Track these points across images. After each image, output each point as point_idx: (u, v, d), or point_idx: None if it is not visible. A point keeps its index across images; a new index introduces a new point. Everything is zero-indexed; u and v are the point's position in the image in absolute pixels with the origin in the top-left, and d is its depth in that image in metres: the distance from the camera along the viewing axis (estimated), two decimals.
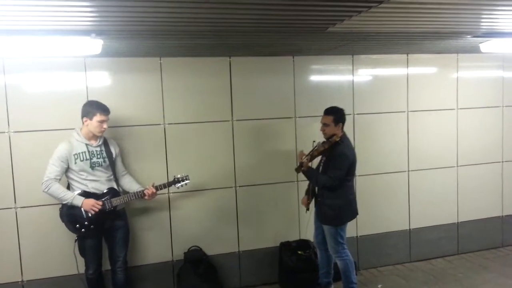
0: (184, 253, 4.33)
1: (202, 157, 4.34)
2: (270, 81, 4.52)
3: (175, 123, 4.26)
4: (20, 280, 3.96)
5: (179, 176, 3.93)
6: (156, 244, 4.30)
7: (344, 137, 3.85)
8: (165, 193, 4.19)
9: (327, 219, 3.88)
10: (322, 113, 3.89)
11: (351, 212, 3.97)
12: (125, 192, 3.83)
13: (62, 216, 3.60)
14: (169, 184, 3.89)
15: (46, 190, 3.46)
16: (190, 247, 4.36)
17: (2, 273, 3.91)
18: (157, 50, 3.86)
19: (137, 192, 3.76)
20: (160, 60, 4.18)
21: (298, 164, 3.83)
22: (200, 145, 4.35)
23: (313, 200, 4.08)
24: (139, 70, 4.14)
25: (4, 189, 3.86)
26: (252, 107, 4.47)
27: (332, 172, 3.73)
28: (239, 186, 4.50)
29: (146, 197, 3.76)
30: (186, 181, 3.95)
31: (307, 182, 4.09)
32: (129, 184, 3.87)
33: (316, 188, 4.00)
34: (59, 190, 3.48)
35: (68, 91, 3.95)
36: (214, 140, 4.39)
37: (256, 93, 4.48)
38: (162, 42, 3.47)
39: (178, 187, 3.94)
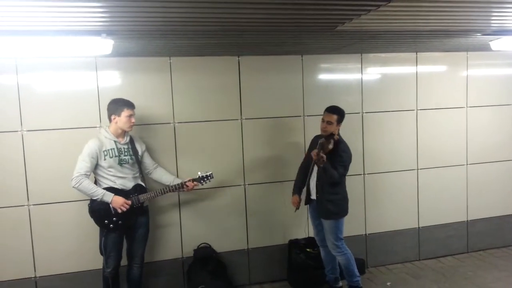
0: (194, 250, 4.37)
1: (212, 155, 4.37)
2: (279, 80, 4.54)
3: (184, 122, 4.30)
4: (33, 276, 4.03)
5: (201, 174, 3.95)
6: (166, 241, 4.35)
7: (340, 136, 3.95)
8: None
9: (329, 214, 3.91)
10: None
11: (347, 207, 4.02)
12: (151, 189, 3.89)
13: (92, 211, 3.65)
14: (196, 180, 3.92)
15: (76, 185, 3.50)
16: (200, 244, 4.40)
17: (16, 269, 3.98)
18: (166, 49, 3.89)
19: (176, 185, 3.85)
20: (170, 59, 4.21)
21: (321, 155, 3.69)
22: (210, 144, 4.38)
23: (304, 200, 4.15)
24: (149, 70, 4.17)
25: (17, 187, 3.92)
26: (260, 105, 4.49)
27: (340, 168, 3.78)
28: (248, 184, 4.53)
29: (186, 189, 3.88)
30: (210, 178, 3.99)
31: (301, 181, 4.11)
32: (164, 176, 3.96)
33: (312, 186, 4.00)
34: (90, 185, 3.54)
35: (79, 90, 4.00)
36: (223, 138, 4.42)
37: (265, 92, 4.50)
38: (172, 41, 3.50)
39: (202, 184, 3.98)
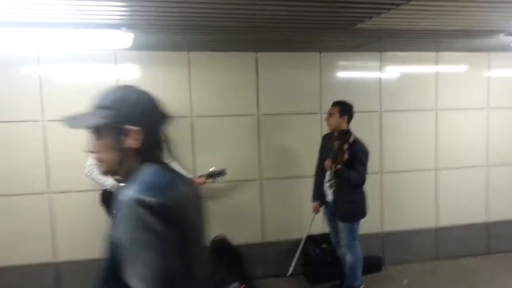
0: (210, 241, 4.41)
1: (228, 149, 4.40)
2: (297, 77, 4.53)
3: (202, 116, 4.33)
4: (54, 261, 4.14)
5: (214, 170, 3.97)
6: None
7: (354, 136, 3.82)
8: None
9: (348, 216, 3.86)
10: None
11: (366, 209, 3.94)
12: None
13: (101, 201, 3.77)
14: (207, 176, 3.95)
15: (88, 174, 3.61)
16: (215, 237, 4.43)
17: (38, 254, 4.09)
18: (185, 44, 3.92)
19: None
20: (188, 54, 4.24)
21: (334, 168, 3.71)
22: (226, 138, 4.41)
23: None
24: (168, 64, 4.21)
25: (38, 175, 4.02)
26: (278, 101, 4.50)
27: (361, 169, 3.72)
28: (265, 179, 4.54)
29: None
30: (223, 175, 4.00)
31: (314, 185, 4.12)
32: None
33: (329, 188, 3.91)
34: (100, 175, 3.61)
35: (99, 82, 4.05)
36: (240, 133, 4.45)
37: (282, 88, 4.50)
38: (191, 36, 3.53)
39: (214, 181, 4.00)
